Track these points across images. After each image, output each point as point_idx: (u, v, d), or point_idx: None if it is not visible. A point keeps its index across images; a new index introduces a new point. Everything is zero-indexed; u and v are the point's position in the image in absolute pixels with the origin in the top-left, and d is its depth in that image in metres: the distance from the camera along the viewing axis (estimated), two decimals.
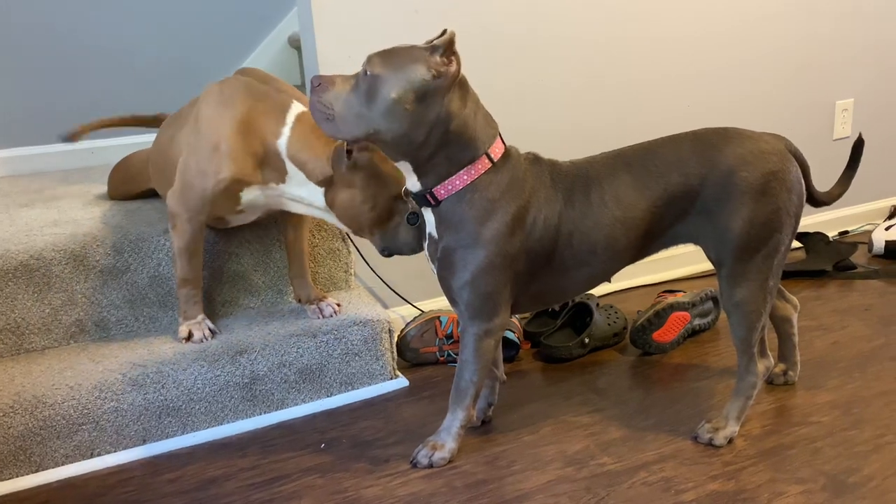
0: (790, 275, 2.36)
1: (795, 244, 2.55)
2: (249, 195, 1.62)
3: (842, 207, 2.68)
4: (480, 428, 1.65)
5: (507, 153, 1.41)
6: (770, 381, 1.75)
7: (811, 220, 2.62)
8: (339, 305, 1.84)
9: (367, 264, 2.01)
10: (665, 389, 1.77)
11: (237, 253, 1.85)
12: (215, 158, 1.56)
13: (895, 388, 1.71)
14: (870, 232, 2.58)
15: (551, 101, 2.14)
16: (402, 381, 1.85)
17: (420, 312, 2.02)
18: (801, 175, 1.47)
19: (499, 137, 1.40)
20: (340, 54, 1.88)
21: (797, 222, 1.47)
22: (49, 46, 2.50)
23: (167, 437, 1.66)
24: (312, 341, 1.75)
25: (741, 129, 1.47)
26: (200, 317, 1.74)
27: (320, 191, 1.56)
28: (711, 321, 2.05)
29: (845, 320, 2.06)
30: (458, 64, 1.31)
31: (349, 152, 1.51)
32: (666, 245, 1.51)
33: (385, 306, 2.06)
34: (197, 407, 1.67)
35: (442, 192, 1.37)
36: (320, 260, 1.94)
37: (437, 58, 1.29)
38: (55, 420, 1.56)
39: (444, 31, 1.31)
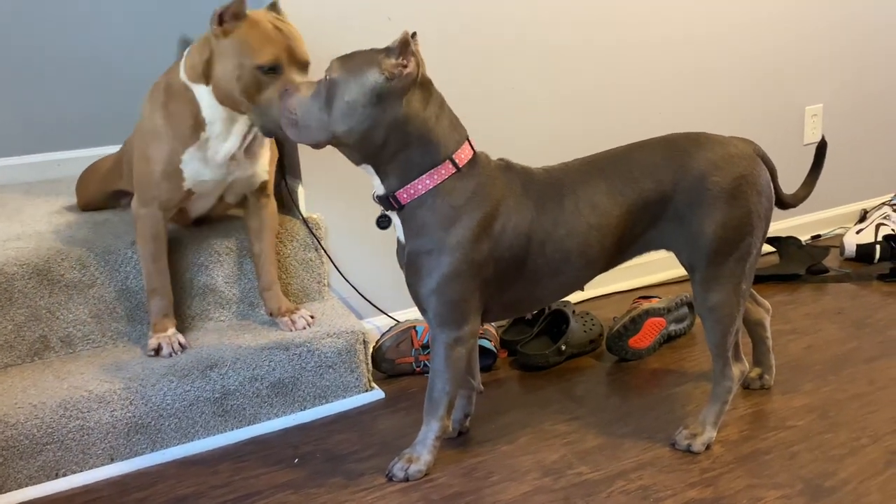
0: (764, 279, 2.37)
1: (768, 248, 2.57)
2: (191, 166, 1.61)
3: (814, 212, 2.70)
4: (457, 439, 1.63)
5: (475, 159, 1.40)
6: (746, 386, 1.75)
7: (784, 225, 2.63)
8: (312, 317, 1.81)
9: (342, 274, 1.98)
10: (642, 396, 1.76)
11: (207, 265, 1.82)
12: (151, 140, 1.61)
13: (869, 391, 1.72)
14: (841, 235, 2.60)
15: (526, 108, 2.13)
16: (377, 393, 1.82)
17: (395, 322, 2.00)
18: (770, 179, 1.48)
19: (467, 142, 1.39)
20: (314, 59, 1.85)
21: (767, 225, 1.47)
22: (33, 57, 2.44)
23: (136, 455, 1.62)
24: (285, 354, 1.72)
25: (711, 135, 1.47)
26: (171, 330, 1.70)
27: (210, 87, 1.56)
28: (687, 326, 2.05)
29: (819, 324, 2.07)
30: (417, 65, 1.30)
31: (221, 20, 1.49)
32: (639, 251, 1.50)
33: (360, 317, 2.03)
34: (167, 423, 1.63)
35: (404, 196, 1.36)
36: (293, 271, 1.91)
37: (393, 59, 1.29)
38: (18, 440, 1.51)
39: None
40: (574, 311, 2.01)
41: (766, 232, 1.48)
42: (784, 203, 1.57)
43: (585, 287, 1.53)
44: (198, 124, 1.59)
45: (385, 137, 1.32)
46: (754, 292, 1.68)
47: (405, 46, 1.28)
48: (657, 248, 1.50)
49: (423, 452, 1.49)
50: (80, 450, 1.57)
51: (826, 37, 2.55)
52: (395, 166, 1.34)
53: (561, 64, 2.16)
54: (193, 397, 1.64)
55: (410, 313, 2.06)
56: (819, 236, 2.68)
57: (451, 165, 1.35)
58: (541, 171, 1.46)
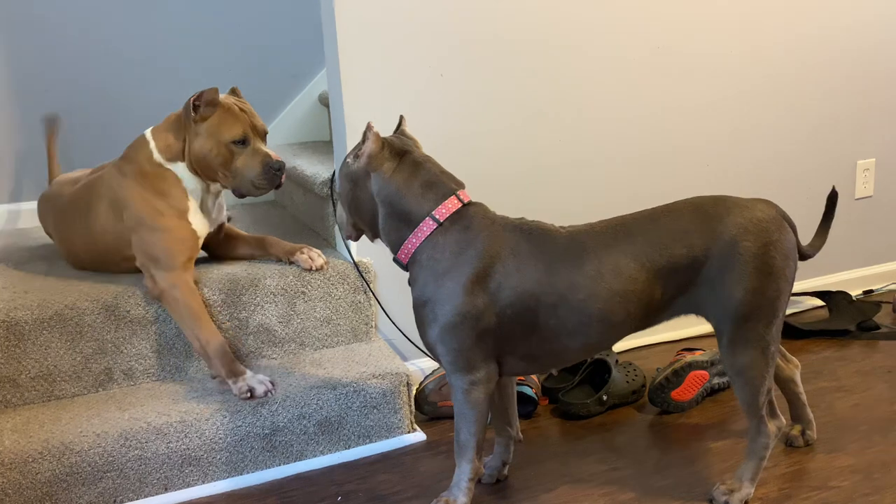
0: (813, 334, 2.35)
1: (818, 303, 2.54)
2: (196, 224, 1.85)
3: (866, 266, 2.67)
4: (495, 485, 1.66)
5: (462, 212, 1.46)
6: (790, 444, 1.74)
7: (835, 279, 2.61)
8: (321, 257, 1.94)
9: (388, 317, 2.05)
10: (682, 449, 1.77)
11: (262, 305, 1.91)
12: (156, 218, 1.81)
13: None
14: (894, 291, 2.55)
15: (568, 169, 2.19)
16: (419, 435, 1.87)
17: (439, 366, 2.05)
18: (795, 241, 1.49)
19: (453, 197, 1.47)
20: (366, 115, 1.96)
21: (792, 287, 1.49)
22: (84, 101, 2.62)
23: (188, 486, 1.69)
24: (332, 393, 1.78)
25: (736, 198, 1.49)
26: (250, 373, 1.77)
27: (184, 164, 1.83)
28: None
29: (868, 382, 2.04)
30: (375, 142, 1.46)
31: (196, 107, 1.77)
32: (668, 317, 1.51)
33: (405, 359, 2.09)
34: (218, 456, 1.71)
35: (403, 255, 1.49)
36: (342, 312, 1.99)
37: (360, 144, 1.49)
38: (81, 467, 1.61)
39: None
40: (617, 361, 2.03)
41: (790, 293, 1.49)
42: (804, 255, 1.56)
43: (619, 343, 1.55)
44: (184, 193, 1.83)
45: (372, 211, 1.50)
46: (783, 349, 1.68)
47: (366, 131, 1.46)
48: (686, 313, 1.51)
49: (458, 495, 1.53)
50: (137, 478, 1.66)
51: (878, 90, 2.54)
52: (390, 233, 1.50)
53: (605, 122, 2.21)
54: (244, 433, 1.72)
55: None
56: (871, 291, 2.64)
57: (431, 222, 1.45)
58: (562, 232, 1.48)
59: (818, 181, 2.52)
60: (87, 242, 1.92)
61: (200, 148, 1.80)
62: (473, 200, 1.52)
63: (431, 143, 2.03)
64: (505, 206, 2.06)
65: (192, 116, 1.79)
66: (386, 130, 1.97)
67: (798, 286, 2.55)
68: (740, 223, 1.44)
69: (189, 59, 2.70)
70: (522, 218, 1.52)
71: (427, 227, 1.46)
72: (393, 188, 1.47)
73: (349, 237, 1.59)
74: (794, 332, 2.35)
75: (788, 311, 2.49)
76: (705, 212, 1.47)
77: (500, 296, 1.43)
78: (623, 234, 1.46)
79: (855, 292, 2.59)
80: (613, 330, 1.46)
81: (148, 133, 1.87)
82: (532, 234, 1.47)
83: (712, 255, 1.44)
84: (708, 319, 1.50)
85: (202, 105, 1.78)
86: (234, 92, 1.91)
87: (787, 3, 2.35)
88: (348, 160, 1.51)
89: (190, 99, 1.78)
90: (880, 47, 2.50)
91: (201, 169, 1.83)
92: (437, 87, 2.01)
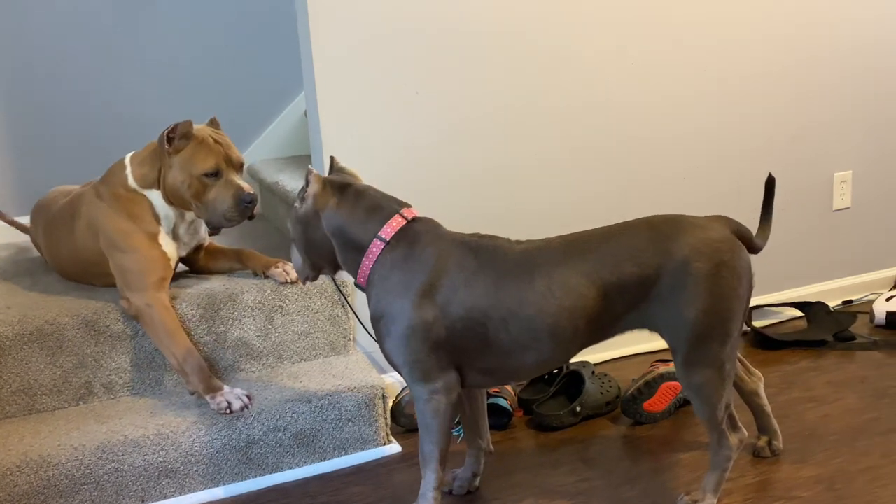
0: (790, 344, 2.37)
1: (796, 313, 2.57)
2: (167, 247, 1.88)
3: (846, 277, 2.69)
4: (467, 496, 1.69)
5: (406, 229, 1.51)
6: (757, 454, 1.76)
7: (815, 289, 2.63)
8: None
9: (367, 330, 2.08)
10: (653, 460, 1.79)
11: (240, 319, 1.94)
12: (126, 238, 1.84)
13: (882, 465, 1.71)
14: (873, 302, 2.58)
15: (546, 181, 2.22)
16: (395, 447, 1.90)
17: None
18: (749, 260, 1.51)
19: (397, 215, 1.51)
20: (343, 133, 1.99)
21: (748, 306, 1.51)
22: (74, 117, 2.67)
23: (165, 498, 1.73)
24: (307, 406, 1.81)
25: (691, 218, 1.52)
26: (227, 388, 1.79)
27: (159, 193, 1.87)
28: None
29: (839, 392, 2.06)
30: (316, 182, 1.54)
31: (171, 139, 1.80)
32: (620, 331, 1.53)
33: (382, 371, 2.12)
34: (194, 469, 1.74)
35: (361, 279, 1.55)
36: (321, 325, 2.02)
37: (304, 189, 1.55)
38: (58, 480, 1.64)
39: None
40: (593, 372, 2.06)
41: (746, 313, 1.51)
42: (754, 248, 1.57)
43: (607, 347, 1.57)
44: (155, 219, 1.87)
45: (328, 247, 1.56)
46: (745, 362, 1.71)
47: (307, 175, 1.55)
48: (639, 328, 1.53)
49: None
50: (115, 490, 1.69)
51: (855, 103, 2.57)
52: (348, 263, 1.56)
53: (588, 138, 2.24)
54: (220, 445, 1.75)
55: None
56: (851, 302, 2.66)
57: (379, 242, 1.51)
58: (515, 248, 1.51)
59: (795, 193, 2.55)
60: (72, 255, 1.97)
61: (174, 180, 1.82)
62: (421, 216, 1.56)
63: (407, 159, 2.07)
64: (481, 218, 2.09)
65: (167, 148, 1.81)
66: (362, 148, 2.02)
67: (777, 297, 2.58)
68: (693, 244, 1.46)
69: (179, 76, 2.75)
70: (476, 233, 1.55)
71: (376, 248, 1.51)
72: (341, 220, 1.53)
73: (307, 279, 1.65)
74: (772, 343, 2.38)
75: (766, 322, 2.52)
76: (659, 231, 1.48)
77: (449, 309, 1.46)
78: (575, 250, 1.48)
79: (834, 303, 2.62)
80: (564, 345, 1.49)
81: (127, 158, 1.90)
82: (480, 250, 1.50)
83: (664, 274, 1.46)
84: (662, 336, 1.52)
85: (176, 137, 1.80)
86: (213, 122, 1.93)
87: (763, 14, 2.38)
88: (296, 205, 1.58)
89: (164, 131, 1.81)
90: (857, 58, 2.53)
91: (175, 199, 1.85)
92: (412, 104, 2.05)
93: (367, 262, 1.52)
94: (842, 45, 2.51)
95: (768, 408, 1.74)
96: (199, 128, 1.86)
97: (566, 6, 2.14)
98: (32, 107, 2.63)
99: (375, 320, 1.53)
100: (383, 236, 1.51)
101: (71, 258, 1.97)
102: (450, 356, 1.49)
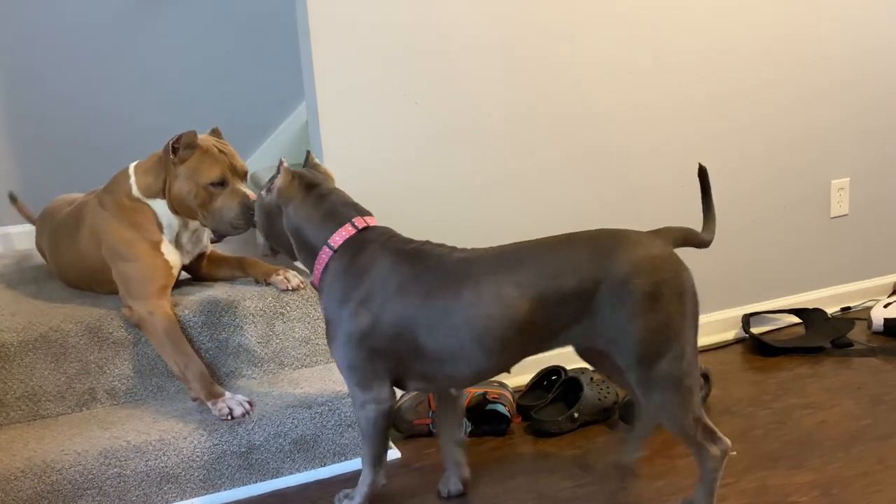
0: (787, 350, 2.38)
1: (794, 319, 2.58)
2: (169, 256, 1.90)
3: (844, 283, 2.70)
4: (460, 498, 1.71)
5: (355, 239, 1.55)
6: (617, 464, 1.78)
7: (813, 296, 2.65)
8: (297, 278, 2.00)
9: None
10: (649, 466, 1.81)
11: (242, 326, 1.96)
12: (128, 247, 1.87)
13: (877, 470, 1.72)
14: (871, 308, 2.59)
15: (543, 192, 2.24)
16: (394, 453, 1.91)
17: None
18: (690, 276, 1.48)
19: (348, 224, 1.55)
20: (343, 143, 2.02)
21: (696, 321, 1.48)
22: (80, 125, 2.71)
23: (166, 503, 1.74)
24: (307, 412, 1.84)
25: (633, 234, 1.49)
26: (228, 394, 1.82)
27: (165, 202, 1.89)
28: (702, 398, 2.07)
29: (836, 398, 2.07)
30: (284, 176, 1.58)
31: (175, 149, 1.83)
32: (565, 344, 1.53)
33: None
34: (195, 474, 1.76)
35: (315, 281, 1.60)
36: (320, 332, 2.04)
37: (273, 179, 1.60)
38: (62, 485, 1.66)
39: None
40: (592, 379, 2.07)
41: (696, 327, 1.48)
42: (702, 243, 1.56)
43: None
44: (158, 228, 1.90)
45: (287, 240, 1.61)
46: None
47: (278, 167, 1.59)
48: (587, 344, 1.52)
49: (356, 496, 1.65)
50: (117, 496, 1.71)
51: (852, 111, 2.59)
52: (304, 261, 1.62)
53: (584, 148, 2.26)
54: (221, 450, 1.77)
55: None
56: (849, 308, 2.68)
57: (328, 249, 1.56)
58: (453, 258, 1.51)
59: (792, 200, 2.56)
60: (75, 263, 2.00)
61: (180, 189, 1.85)
62: (375, 225, 1.59)
63: (407, 169, 2.09)
64: (480, 227, 2.12)
65: (172, 159, 1.84)
66: (362, 157, 2.05)
67: (775, 304, 2.59)
68: (632, 261, 1.43)
69: (182, 86, 2.78)
70: (426, 241, 1.57)
71: (325, 254, 1.56)
72: (299, 221, 1.58)
73: (265, 255, 1.72)
74: (769, 350, 2.39)
75: (764, 329, 2.54)
76: (600, 246, 1.47)
77: (382, 318, 1.50)
78: (513, 261, 1.47)
79: (832, 310, 2.63)
80: (496, 355, 1.48)
81: (131, 168, 1.93)
82: (417, 259, 1.51)
83: (603, 290, 1.44)
84: (612, 356, 1.49)
85: (181, 147, 1.83)
86: (215, 132, 1.95)
87: (759, 21, 2.40)
88: (262, 193, 1.63)
89: (169, 142, 1.83)
90: (854, 66, 2.55)
91: (181, 209, 1.88)
92: (411, 114, 2.08)
93: (318, 267, 1.58)
94: (839, 52, 2.53)
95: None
96: (203, 137, 1.89)
97: (563, 18, 2.17)
98: (35, 116, 2.67)
99: (326, 324, 1.60)
100: (332, 244, 1.56)
101: (74, 266, 2.00)
102: (386, 364, 1.54)
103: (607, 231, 1.51)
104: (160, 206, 1.89)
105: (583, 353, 1.65)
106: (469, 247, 1.57)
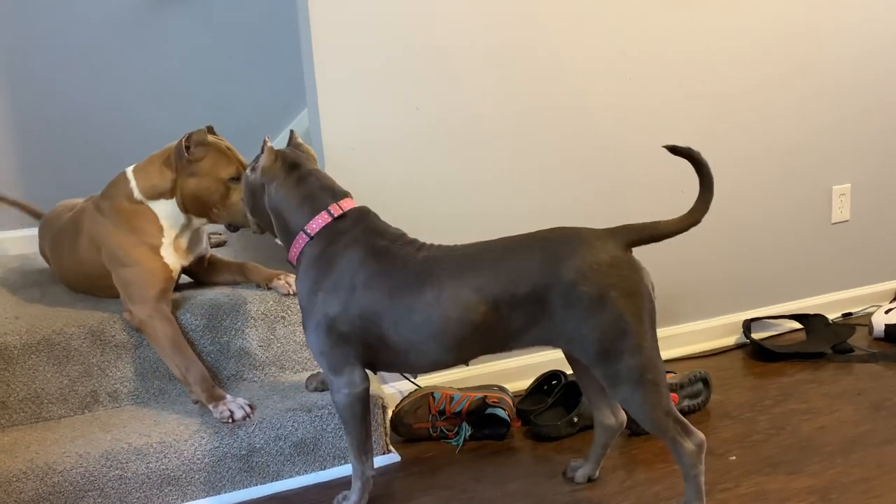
0: (788, 356, 2.38)
1: (795, 325, 2.58)
2: (169, 259, 1.91)
3: (846, 289, 2.70)
4: (464, 499, 1.72)
5: (330, 227, 1.58)
6: (566, 473, 1.79)
7: (815, 301, 2.65)
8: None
9: None
10: (647, 471, 1.81)
11: (243, 329, 1.98)
12: (129, 251, 1.88)
13: (876, 476, 1.72)
14: (871, 315, 2.59)
15: (556, 184, 2.25)
16: (394, 457, 1.92)
17: (416, 388, 2.11)
18: (643, 277, 1.48)
19: (324, 212, 1.58)
20: (344, 146, 2.04)
21: (652, 317, 1.48)
22: (86, 128, 2.73)
23: None
24: (308, 416, 1.84)
25: (586, 235, 1.49)
26: (229, 396, 1.83)
27: (173, 201, 1.90)
28: (701, 403, 2.09)
29: (836, 404, 2.07)
30: (268, 156, 1.61)
31: (188, 148, 1.84)
32: (526, 345, 1.54)
33: (383, 381, 2.15)
34: (196, 476, 1.77)
35: (291, 259, 1.65)
36: None
37: (258, 157, 1.64)
38: (63, 486, 1.67)
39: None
40: None
41: (653, 322, 1.48)
42: (670, 233, 1.53)
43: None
44: (159, 230, 1.91)
45: (268, 219, 1.65)
46: (616, 404, 1.69)
47: (263, 145, 1.62)
48: (548, 345, 1.54)
49: (351, 496, 1.68)
50: (118, 497, 1.72)
51: (854, 115, 2.59)
52: (282, 239, 1.65)
53: (587, 151, 2.27)
54: (222, 453, 1.78)
55: (431, 379, 2.17)
56: (850, 314, 2.68)
57: (304, 235, 1.60)
58: (419, 257, 1.54)
59: (793, 206, 2.57)
60: (76, 268, 2.01)
61: (196, 186, 1.86)
62: (351, 210, 1.61)
63: (408, 172, 2.11)
64: (482, 228, 2.13)
65: (185, 157, 1.86)
66: (364, 161, 2.06)
67: (776, 309, 2.60)
68: (579, 267, 1.45)
69: (187, 91, 2.81)
70: (399, 235, 1.60)
71: (301, 240, 1.61)
72: (279, 200, 1.62)
73: (254, 232, 1.76)
74: (770, 355, 2.40)
75: (765, 334, 2.54)
76: (551, 250, 1.48)
77: (350, 308, 1.54)
78: (471, 264, 1.51)
79: (833, 315, 2.63)
80: (453, 351, 1.54)
81: (129, 171, 1.94)
82: (385, 255, 1.55)
83: (554, 294, 1.47)
84: (574, 354, 1.53)
85: (192, 146, 1.85)
86: (210, 130, 1.96)
87: (761, 26, 2.41)
88: (247, 172, 1.67)
89: (181, 140, 1.85)
90: (856, 70, 2.56)
91: (194, 206, 1.89)
92: (413, 119, 2.09)
93: (295, 250, 1.62)
94: (841, 56, 2.53)
95: (606, 450, 1.76)
96: (210, 136, 1.91)
97: (566, 20, 2.18)
98: (40, 122, 2.69)
99: (301, 309, 1.63)
100: (308, 231, 1.59)
101: (75, 271, 2.02)
102: (355, 350, 1.57)
103: (561, 233, 1.52)
104: (162, 208, 1.90)
105: (566, 355, 1.69)
106: (463, 242, 1.60)
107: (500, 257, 1.51)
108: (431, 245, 1.59)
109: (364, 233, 1.58)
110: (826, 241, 2.64)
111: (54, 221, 2.14)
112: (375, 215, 1.64)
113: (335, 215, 1.59)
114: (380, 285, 1.53)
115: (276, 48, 2.89)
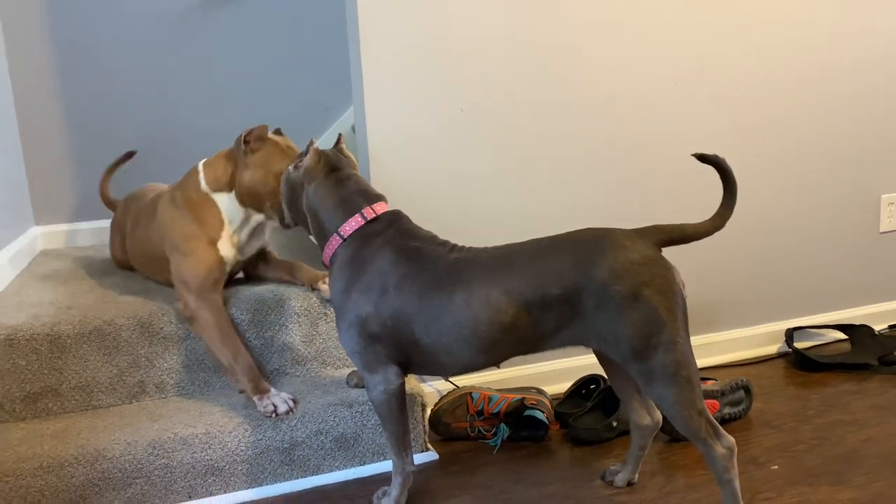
0: (832, 367, 2.35)
1: (840, 336, 2.54)
2: (225, 252, 1.96)
3: (892, 300, 2.65)
4: (500, 499, 1.72)
5: (364, 230, 1.60)
6: (604, 478, 1.79)
7: (858, 313, 2.60)
8: None
9: None
10: (687, 477, 1.80)
11: (287, 325, 2.01)
12: (189, 242, 1.94)
13: None
14: None
15: (587, 202, 2.25)
16: (432, 455, 1.94)
17: (454, 388, 2.12)
18: (674, 274, 1.48)
19: (358, 214, 1.60)
20: (389, 147, 2.06)
21: (684, 314, 1.48)
22: (144, 131, 2.80)
23: (210, 495, 1.79)
24: (349, 411, 1.87)
25: (616, 236, 1.50)
26: (273, 390, 1.87)
27: (232, 194, 1.96)
28: (742, 410, 2.07)
29: (882, 416, 2.04)
30: (312, 156, 1.65)
31: (246, 142, 1.91)
32: (558, 346, 1.54)
33: (422, 380, 2.17)
34: (239, 468, 1.81)
35: (325, 260, 1.67)
36: None
37: (302, 156, 1.68)
38: (112, 473, 1.72)
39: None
40: None
41: (685, 318, 1.48)
42: (697, 236, 1.52)
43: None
44: (220, 223, 1.96)
45: (304, 216, 1.69)
46: (649, 403, 1.69)
47: (309, 145, 1.66)
48: (576, 344, 1.53)
49: (391, 491, 1.69)
50: (164, 486, 1.76)
51: None
52: (317, 239, 1.68)
53: (632, 154, 2.27)
54: (264, 446, 1.81)
55: (469, 379, 2.18)
56: None
57: (337, 237, 1.62)
58: (450, 259, 1.55)
59: (841, 215, 2.53)
60: (144, 247, 2.12)
61: (251, 178, 1.92)
62: (384, 213, 1.63)
63: (451, 173, 2.12)
64: (524, 227, 2.13)
65: (244, 149, 1.92)
66: (407, 161, 2.08)
67: (820, 319, 2.56)
68: (612, 267, 1.46)
69: (237, 95, 2.86)
70: (431, 237, 1.61)
71: (335, 241, 1.63)
72: (317, 202, 1.65)
73: (283, 224, 1.81)
74: (813, 365, 2.36)
75: (808, 344, 2.50)
76: (582, 251, 1.49)
77: (382, 309, 1.55)
78: (502, 266, 1.51)
79: (880, 327, 2.58)
80: (484, 353, 1.54)
81: (200, 164, 2.01)
82: (415, 258, 1.56)
83: (586, 295, 1.47)
84: (608, 354, 1.52)
85: (252, 140, 1.92)
86: (278, 132, 2.04)
87: (809, 32, 2.38)
88: (290, 168, 1.70)
89: (241, 134, 1.92)
90: None
91: (249, 198, 1.95)
92: (457, 122, 2.11)
93: (328, 251, 1.65)
94: (890, 70, 2.48)
95: (645, 452, 1.75)
96: (270, 134, 1.98)
97: (617, 21, 2.18)
98: (95, 129, 2.77)
99: (334, 309, 1.65)
100: (342, 233, 1.62)
101: (143, 250, 2.12)
102: (387, 350, 1.58)
103: (591, 234, 1.52)
104: (224, 200, 1.96)
105: (597, 354, 1.69)
106: (502, 243, 1.62)
107: (530, 259, 1.51)
108: (462, 247, 1.60)
109: (396, 235, 1.60)
110: (873, 251, 2.60)
111: (140, 199, 2.25)
112: (407, 218, 1.65)
113: (368, 218, 1.62)
114: (410, 287, 1.54)
115: (319, 53, 2.94)
